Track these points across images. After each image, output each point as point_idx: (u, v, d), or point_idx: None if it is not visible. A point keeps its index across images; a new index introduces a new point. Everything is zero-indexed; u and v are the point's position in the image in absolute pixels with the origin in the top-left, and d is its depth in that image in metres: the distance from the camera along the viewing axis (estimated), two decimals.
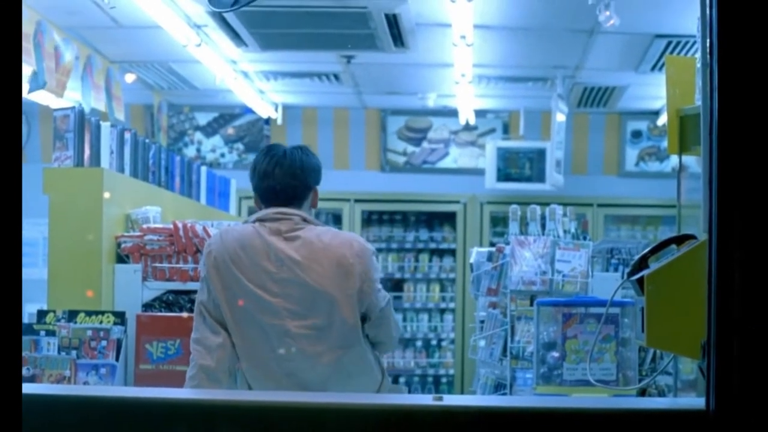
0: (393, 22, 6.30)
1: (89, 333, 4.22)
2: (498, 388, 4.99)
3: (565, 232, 5.02)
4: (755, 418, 1.92)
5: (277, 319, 3.50)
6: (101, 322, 4.25)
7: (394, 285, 9.74)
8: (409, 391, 8.62)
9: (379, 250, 8.94)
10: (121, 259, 4.54)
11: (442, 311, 9.83)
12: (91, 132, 4.54)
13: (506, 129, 9.85)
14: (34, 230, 7.69)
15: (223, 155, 9.91)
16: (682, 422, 2.09)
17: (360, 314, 3.56)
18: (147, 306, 4.46)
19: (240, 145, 9.91)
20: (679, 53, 6.81)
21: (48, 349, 4.21)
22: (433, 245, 9.90)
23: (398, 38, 6.71)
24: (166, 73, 8.26)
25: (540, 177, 9.14)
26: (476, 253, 5.35)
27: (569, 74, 8.07)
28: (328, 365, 3.52)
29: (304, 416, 2.20)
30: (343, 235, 3.67)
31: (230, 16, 6.21)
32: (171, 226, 4.54)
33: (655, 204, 9.48)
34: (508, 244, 4.93)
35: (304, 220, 3.62)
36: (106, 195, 4.47)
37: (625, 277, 2.57)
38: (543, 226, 5.04)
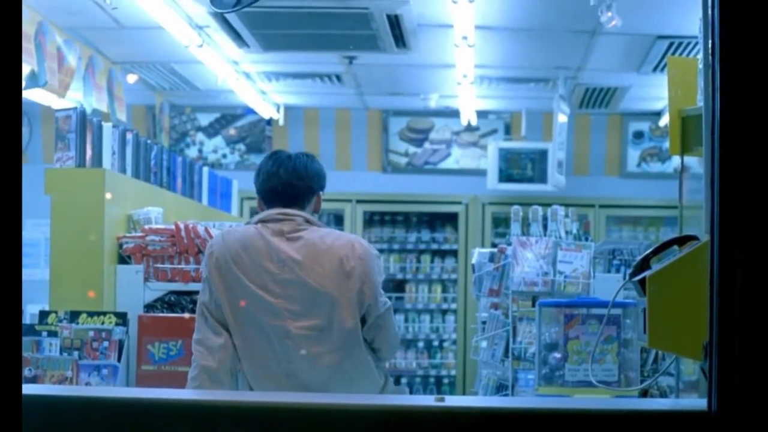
0: (395, 22, 6.30)
1: (91, 334, 4.22)
2: (500, 389, 4.99)
3: (566, 233, 5.02)
4: (757, 418, 1.91)
5: (278, 320, 3.50)
6: (103, 323, 4.25)
7: (396, 286, 9.74)
8: (411, 392, 8.63)
9: (381, 251, 8.92)
10: (123, 259, 4.54)
11: (444, 312, 9.83)
12: (93, 133, 4.55)
13: (508, 130, 9.85)
14: (35, 231, 7.71)
15: (224, 156, 9.91)
16: (684, 423, 2.09)
17: (360, 317, 3.56)
18: (149, 307, 4.46)
19: (242, 146, 9.91)
20: (681, 54, 6.81)
21: (50, 350, 4.21)
22: (434, 246, 9.90)
23: (400, 39, 6.71)
24: (167, 73, 8.27)
25: (542, 178, 9.14)
26: (478, 253, 5.35)
27: (571, 75, 8.07)
28: (328, 367, 3.52)
29: (305, 417, 2.20)
30: (346, 237, 3.67)
31: (232, 17, 6.21)
32: (173, 227, 4.54)
33: (657, 205, 9.47)
34: (509, 244, 4.93)
35: (307, 221, 3.62)
36: (108, 196, 4.47)
37: (627, 278, 2.57)
38: (545, 227, 5.04)
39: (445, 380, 9.78)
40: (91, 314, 4.26)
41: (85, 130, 4.49)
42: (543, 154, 9.14)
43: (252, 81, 8.42)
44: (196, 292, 3.79)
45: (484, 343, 5.11)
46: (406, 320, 9.75)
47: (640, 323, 2.41)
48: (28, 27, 5.69)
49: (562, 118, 8.31)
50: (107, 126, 4.67)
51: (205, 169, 6.25)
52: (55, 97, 6.25)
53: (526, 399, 4.28)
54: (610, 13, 5.46)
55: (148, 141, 5.15)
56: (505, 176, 9.30)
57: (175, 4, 6.07)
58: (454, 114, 9.41)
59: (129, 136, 4.86)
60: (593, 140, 9.88)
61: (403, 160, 9.95)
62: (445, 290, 9.85)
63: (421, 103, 9.22)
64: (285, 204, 3.63)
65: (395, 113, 9.90)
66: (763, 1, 1.91)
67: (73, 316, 4.25)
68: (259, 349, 3.52)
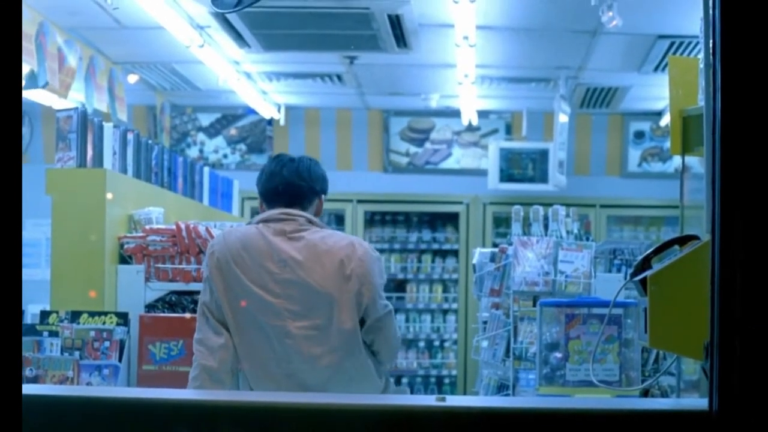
0: (396, 22, 6.30)
1: (92, 334, 4.22)
2: (501, 388, 4.99)
3: (567, 232, 5.02)
4: (758, 418, 1.91)
5: (279, 320, 3.50)
6: (104, 323, 4.25)
7: (397, 285, 9.74)
8: (412, 392, 8.64)
9: (382, 251, 8.93)
10: (124, 259, 4.54)
11: (445, 312, 9.83)
12: (94, 133, 4.55)
13: (509, 130, 9.85)
14: (36, 231, 7.71)
15: (225, 156, 9.91)
16: (685, 423, 2.09)
17: (359, 318, 3.56)
18: (150, 307, 4.46)
19: (243, 146, 9.91)
20: (682, 54, 6.81)
21: (51, 350, 4.21)
22: (435, 246, 9.90)
23: (401, 39, 6.71)
24: (168, 74, 8.27)
25: (543, 178, 9.14)
26: (479, 253, 5.35)
27: (572, 75, 8.07)
28: (328, 367, 3.52)
29: (306, 417, 2.20)
30: (348, 238, 3.67)
31: (233, 17, 6.21)
32: (174, 227, 4.54)
33: (658, 205, 9.47)
34: (510, 244, 4.93)
35: (309, 222, 3.62)
36: (109, 196, 4.47)
37: (628, 277, 2.57)
38: (546, 227, 5.04)
39: (446, 380, 9.78)
40: (92, 314, 4.26)
41: (86, 131, 4.49)
42: (544, 154, 9.14)
43: (253, 81, 8.42)
44: (197, 292, 3.79)
45: (485, 343, 5.10)
46: (407, 320, 9.75)
47: (641, 323, 2.41)
48: (28, 27, 5.70)
49: (563, 118, 8.31)
50: (108, 126, 4.67)
51: (206, 169, 6.25)
52: (56, 97, 6.25)
53: (527, 399, 4.28)
54: (611, 13, 5.46)
55: (149, 141, 5.15)
56: (506, 176, 9.30)
57: (176, 4, 6.07)
58: (455, 114, 9.41)
59: (130, 136, 4.86)
60: (594, 140, 9.88)
61: (404, 160, 9.95)
62: (446, 290, 9.85)
63: (422, 103, 9.22)
64: (286, 204, 3.63)
65: (396, 113, 9.90)
66: (764, 1, 1.91)
67: (74, 316, 4.25)
68: (259, 349, 3.52)
